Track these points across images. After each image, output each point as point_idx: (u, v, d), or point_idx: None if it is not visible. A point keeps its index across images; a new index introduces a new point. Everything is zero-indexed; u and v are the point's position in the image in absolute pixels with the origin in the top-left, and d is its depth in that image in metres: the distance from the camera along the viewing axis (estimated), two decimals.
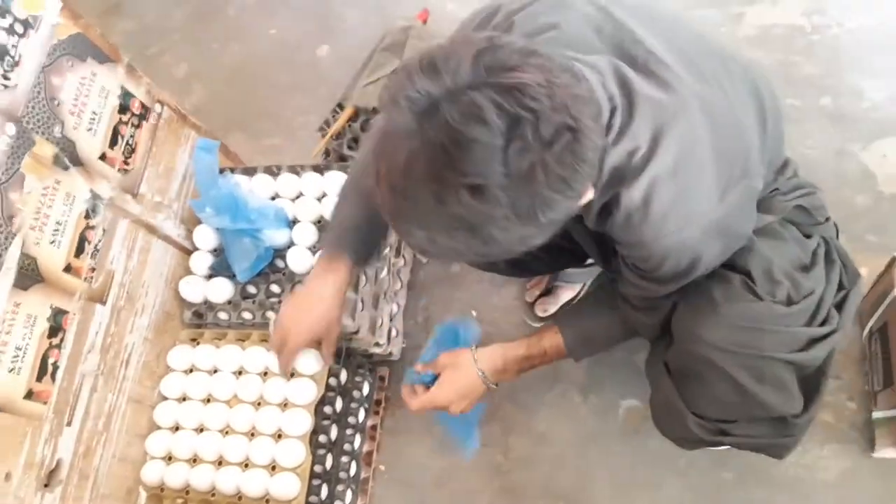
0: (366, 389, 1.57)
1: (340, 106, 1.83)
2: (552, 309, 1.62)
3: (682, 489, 1.43)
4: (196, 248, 1.49)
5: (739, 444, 1.09)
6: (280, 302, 1.41)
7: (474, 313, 1.71)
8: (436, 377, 1.17)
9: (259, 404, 1.37)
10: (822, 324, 0.98)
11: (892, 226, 1.53)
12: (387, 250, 1.55)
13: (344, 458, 1.45)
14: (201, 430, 1.37)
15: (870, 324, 1.35)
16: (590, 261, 1.42)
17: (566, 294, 1.62)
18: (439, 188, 0.66)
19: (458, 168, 0.65)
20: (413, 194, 0.68)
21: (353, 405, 1.51)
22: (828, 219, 1.09)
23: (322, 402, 1.36)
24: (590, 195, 0.78)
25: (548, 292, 1.64)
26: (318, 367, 1.34)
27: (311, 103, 2.11)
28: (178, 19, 2.49)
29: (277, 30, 2.34)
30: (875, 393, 1.34)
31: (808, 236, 1.05)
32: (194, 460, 1.36)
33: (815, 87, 1.73)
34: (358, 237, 1.16)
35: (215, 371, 1.41)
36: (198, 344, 1.44)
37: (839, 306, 1.02)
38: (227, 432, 1.36)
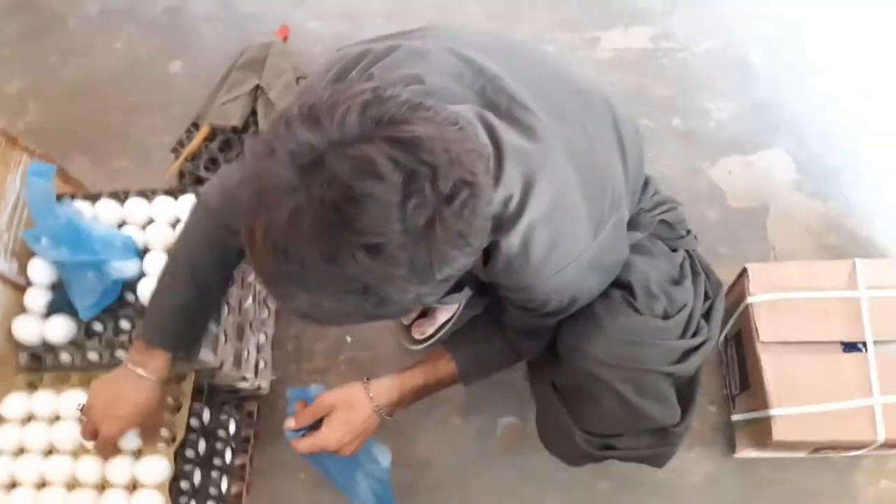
0: (232, 428, 1.46)
1: (195, 125, 1.72)
2: (430, 330, 1.60)
3: (563, 502, 1.44)
4: (30, 284, 1.33)
5: (624, 456, 1.11)
6: (130, 339, 1.28)
7: (349, 339, 1.66)
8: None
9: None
10: (694, 334, 1.03)
11: (741, 238, 1.64)
12: (251, 277, 1.46)
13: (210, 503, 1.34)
14: (43, 485, 1.22)
15: (725, 331, 1.43)
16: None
17: (443, 315, 1.60)
18: (330, 249, 0.61)
19: (352, 226, 0.60)
20: (298, 256, 0.62)
21: (219, 445, 1.40)
22: (689, 231, 1.15)
23: (183, 444, 1.25)
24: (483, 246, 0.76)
25: (424, 314, 1.62)
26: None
27: (164, 122, 1.97)
28: (10, 32, 2.25)
29: (123, 44, 2.17)
30: (733, 397, 1.41)
31: (673, 250, 1.09)
32: None
33: (666, 108, 1.83)
34: (179, 325, 1.12)
35: (57, 419, 1.26)
36: (36, 390, 1.29)
37: (706, 316, 1.07)
38: (73, 486, 1.22)
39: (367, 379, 1.10)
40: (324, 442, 1.06)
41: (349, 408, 1.06)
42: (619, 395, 0.98)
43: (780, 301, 1.25)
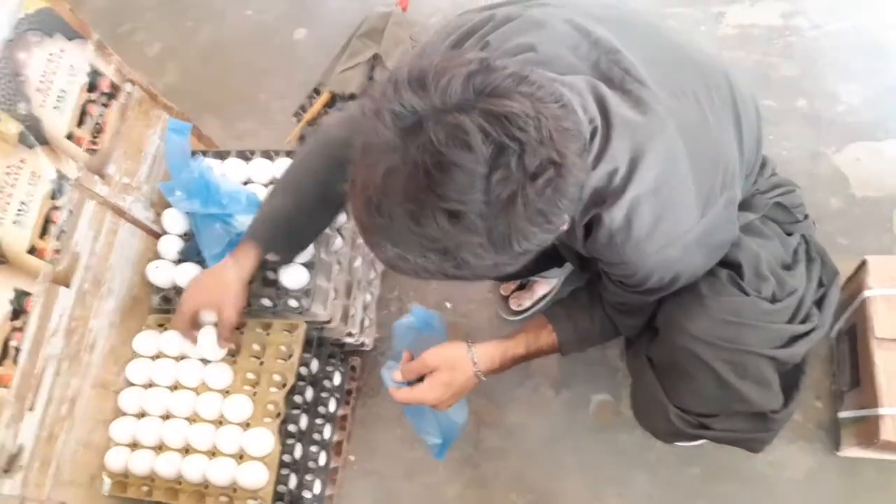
0: (337, 379, 1.55)
1: (317, 91, 1.80)
2: (527, 303, 1.62)
3: (650, 484, 1.44)
4: (165, 232, 1.45)
5: (719, 437, 1.10)
6: (250, 288, 1.38)
7: (448, 305, 1.70)
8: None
9: (227, 392, 1.34)
10: (804, 321, 1.00)
11: (863, 229, 1.55)
12: (360, 239, 1.53)
13: (313, 448, 1.43)
14: (167, 418, 1.35)
15: (838, 325, 1.37)
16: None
17: (542, 289, 1.62)
18: (416, 209, 0.65)
19: (437, 191, 0.64)
20: (388, 211, 0.67)
21: (324, 395, 1.50)
22: (806, 216, 1.11)
23: (292, 390, 1.34)
24: (566, 225, 0.77)
25: (522, 287, 1.64)
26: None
27: (287, 87, 2.07)
28: None
29: (254, 11, 2.29)
30: (842, 393, 1.36)
31: (788, 234, 1.06)
32: (160, 448, 1.33)
33: (791, 88, 1.74)
34: (279, 231, 1.20)
35: (182, 357, 1.38)
36: (165, 329, 1.41)
37: (818, 303, 1.03)
38: (193, 420, 1.33)
39: (471, 342, 1.13)
40: (423, 397, 1.11)
41: (451, 369, 1.10)
42: (717, 375, 0.97)
43: None
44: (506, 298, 1.65)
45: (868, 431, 1.21)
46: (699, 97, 0.89)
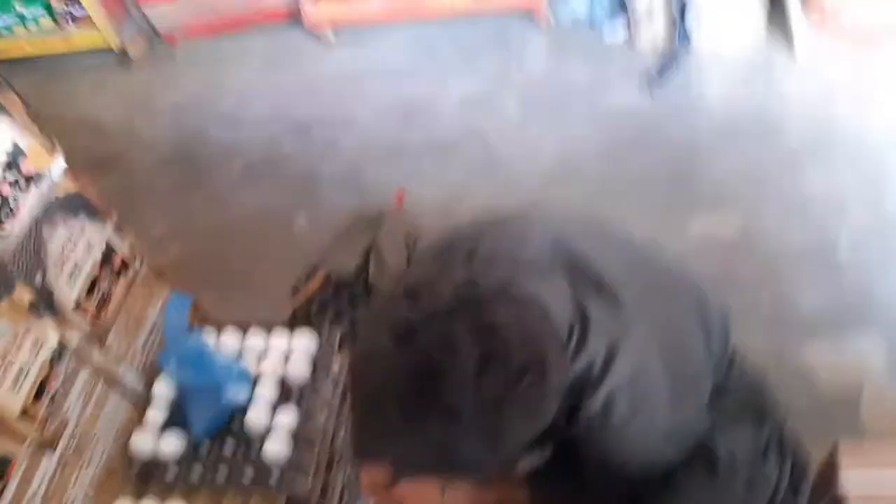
0: None
1: (313, 271, 1.91)
2: None
3: None
4: (152, 402, 1.47)
5: None
6: (231, 462, 1.38)
7: None
8: None
9: None
10: None
11: (833, 423, 1.59)
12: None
13: None
14: None
15: None
16: None
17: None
18: (412, 410, 0.70)
19: (431, 393, 0.70)
20: (386, 413, 0.72)
21: None
22: (777, 408, 1.15)
23: None
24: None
25: None
26: None
27: (284, 268, 2.19)
28: (163, 184, 2.62)
29: (260, 198, 2.48)
30: None
31: (760, 426, 1.10)
32: None
33: (753, 293, 1.88)
34: None
35: None
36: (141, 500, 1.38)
37: (793, 494, 1.05)
38: None
39: (444, 486, 1.12)
40: None
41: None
42: None
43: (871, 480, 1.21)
44: None
45: None
46: (669, 300, 0.98)
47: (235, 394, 1.42)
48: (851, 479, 1.23)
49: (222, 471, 1.38)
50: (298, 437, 1.37)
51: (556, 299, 0.88)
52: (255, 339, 1.53)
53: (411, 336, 0.70)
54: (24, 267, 1.19)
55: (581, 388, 0.85)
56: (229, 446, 1.41)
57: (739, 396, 1.12)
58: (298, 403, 1.43)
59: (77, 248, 1.31)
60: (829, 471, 1.30)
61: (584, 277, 0.97)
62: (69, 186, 1.28)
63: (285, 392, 1.45)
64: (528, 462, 1.31)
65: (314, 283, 1.85)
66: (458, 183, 2.33)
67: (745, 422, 1.10)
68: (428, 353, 0.69)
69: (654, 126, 2.31)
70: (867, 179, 2.02)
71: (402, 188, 2.22)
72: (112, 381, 1.40)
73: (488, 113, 2.51)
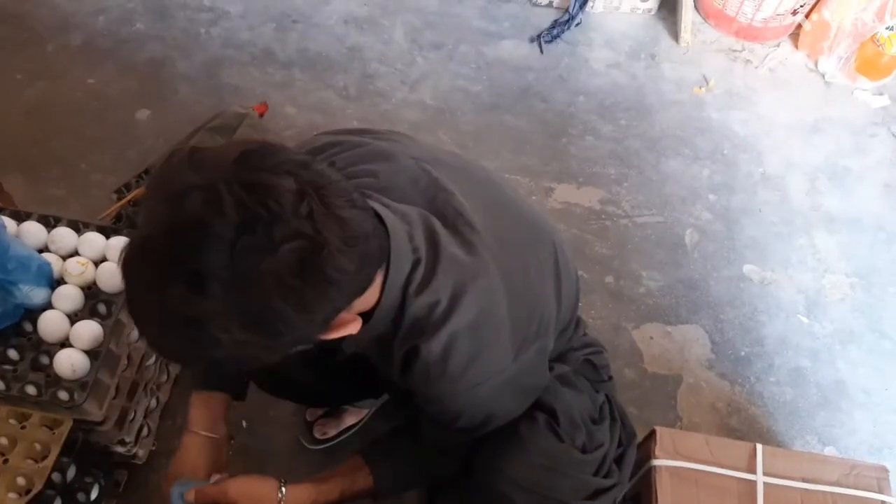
0: (94, 493, 1.33)
1: (146, 172, 1.70)
2: (332, 432, 1.54)
3: None
4: None
5: None
6: (14, 371, 1.19)
7: (244, 423, 1.57)
8: None
9: None
10: (606, 476, 1.03)
11: (651, 401, 1.68)
12: None
13: None
14: None
15: (625, 490, 1.43)
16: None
17: (350, 419, 1.55)
18: (161, 273, 0.64)
19: (182, 254, 0.63)
20: (139, 278, 0.66)
21: None
22: (611, 377, 1.18)
23: (37, 499, 1.13)
24: (350, 330, 0.77)
25: (330, 413, 1.56)
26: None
27: (114, 163, 1.94)
28: None
29: (97, 80, 2.16)
30: None
31: (596, 391, 1.11)
32: None
33: (601, 265, 1.92)
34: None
35: None
36: None
37: (618, 461, 1.08)
38: None
39: (284, 481, 1.02)
40: None
41: None
42: None
43: (682, 470, 1.27)
44: (310, 424, 1.55)
45: None
46: (525, 249, 0.95)
47: (30, 293, 1.22)
48: (663, 466, 1.29)
49: (1, 380, 1.19)
50: (101, 354, 1.20)
51: (407, 224, 0.82)
52: (65, 237, 1.32)
53: (183, 198, 0.63)
54: None
55: (422, 328, 0.82)
56: (14, 353, 1.22)
57: (579, 363, 1.13)
58: (106, 315, 1.25)
59: None
60: (643, 455, 1.35)
61: (443, 212, 0.88)
62: None
63: (92, 301, 1.26)
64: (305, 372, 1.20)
65: (143, 187, 1.64)
66: (328, 105, 2.17)
67: (583, 388, 1.12)
68: (189, 214, 0.62)
69: (538, 84, 2.27)
70: (721, 175, 2.11)
71: (264, 102, 2.04)
72: None
73: (372, 37, 2.35)
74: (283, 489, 1.01)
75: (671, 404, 1.69)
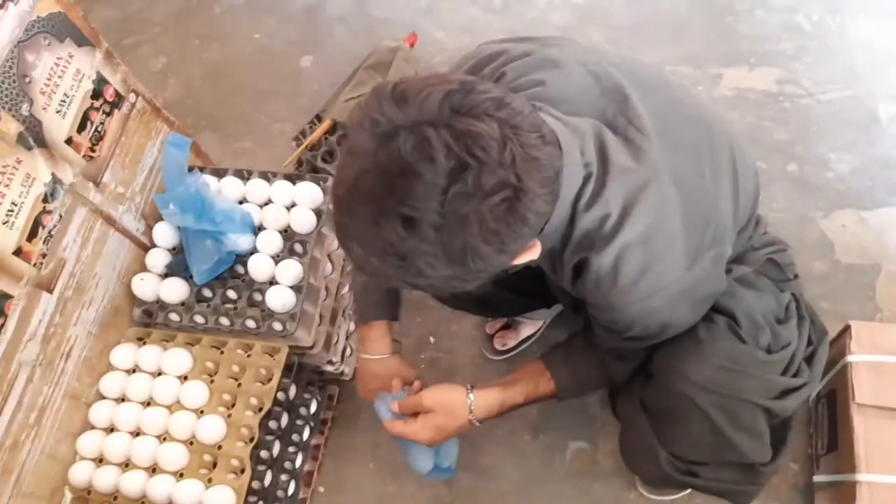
0: (313, 407, 1.53)
1: (318, 118, 1.82)
2: (511, 343, 1.62)
3: None
4: (154, 245, 1.44)
5: (706, 486, 1.10)
6: (235, 308, 1.37)
7: (432, 339, 1.70)
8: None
9: (202, 412, 1.32)
10: (795, 375, 1.00)
11: (846, 295, 1.57)
12: (350, 267, 1.53)
13: (283, 476, 1.40)
14: (137, 434, 1.32)
15: (818, 388, 1.38)
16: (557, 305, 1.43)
17: (527, 329, 1.62)
18: (377, 211, 0.68)
19: (396, 197, 0.66)
20: (354, 212, 0.70)
21: (299, 422, 1.47)
22: (797, 276, 1.12)
23: (268, 415, 1.32)
24: (532, 255, 0.79)
25: (508, 326, 1.64)
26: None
27: (289, 112, 2.09)
28: (161, 12, 2.45)
29: (262, 35, 2.32)
30: (818, 456, 1.36)
31: (780, 291, 1.07)
32: (126, 465, 1.30)
33: (783, 153, 1.78)
34: (384, 299, 1.22)
35: (159, 373, 1.36)
36: (144, 344, 1.39)
37: (808, 360, 1.04)
38: (164, 438, 1.31)
39: (471, 387, 1.11)
40: (415, 436, 1.10)
41: (447, 414, 1.10)
42: (711, 422, 0.97)
43: (882, 364, 1.20)
44: (490, 337, 1.65)
45: (843, 497, 1.21)
46: (698, 152, 0.91)
47: (238, 242, 1.38)
48: (860, 362, 1.22)
49: (225, 317, 1.38)
50: (304, 288, 1.35)
51: (578, 138, 0.82)
52: (258, 188, 1.47)
53: (391, 138, 0.66)
54: (8, 95, 1.10)
55: (593, 241, 0.83)
56: (233, 293, 1.40)
57: (760, 263, 1.09)
58: (303, 254, 1.39)
59: (65, 78, 1.21)
60: (837, 351, 1.28)
61: (613, 121, 0.87)
62: (51, 5, 1.16)
63: (289, 242, 1.40)
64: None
65: (319, 131, 1.76)
66: (474, 23, 2.16)
67: (765, 288, 1.08)
68: (402, 155, 0.65)
69: None
70: None
71: (413, 33, 2.07)
72: (111, 221, 1.36)
73: None
74: (472, 395, 1.10)
75: (869, 296, 1.57)
